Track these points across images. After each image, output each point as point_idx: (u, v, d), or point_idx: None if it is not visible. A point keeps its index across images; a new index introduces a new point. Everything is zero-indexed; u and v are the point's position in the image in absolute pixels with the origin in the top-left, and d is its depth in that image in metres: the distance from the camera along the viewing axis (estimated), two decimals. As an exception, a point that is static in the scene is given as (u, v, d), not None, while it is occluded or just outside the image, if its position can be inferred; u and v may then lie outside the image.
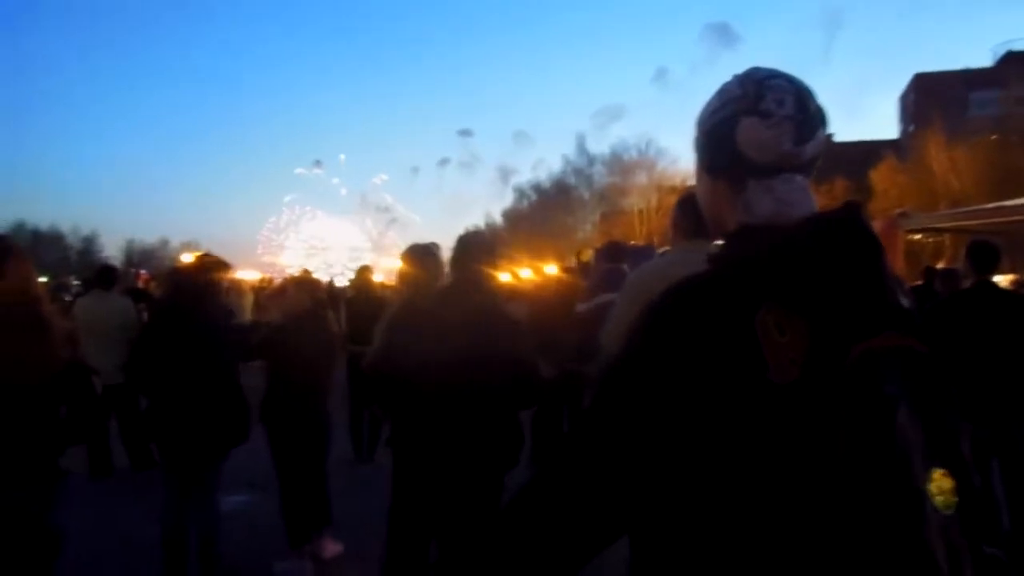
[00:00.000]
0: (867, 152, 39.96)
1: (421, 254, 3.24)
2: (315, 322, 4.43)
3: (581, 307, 5.29)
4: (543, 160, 64.46)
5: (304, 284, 4.74)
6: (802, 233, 0.96)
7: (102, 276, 5.56)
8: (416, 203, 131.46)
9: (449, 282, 2.88)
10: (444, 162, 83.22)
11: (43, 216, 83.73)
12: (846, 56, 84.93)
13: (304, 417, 4.31)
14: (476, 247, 2.89)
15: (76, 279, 41.70)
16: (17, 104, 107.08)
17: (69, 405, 2.34)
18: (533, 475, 1.00)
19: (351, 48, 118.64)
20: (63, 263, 64.71)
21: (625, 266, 5.78)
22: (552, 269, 38.69)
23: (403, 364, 2.69)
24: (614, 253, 5.75)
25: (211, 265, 4.03)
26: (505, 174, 60.90)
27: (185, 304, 3.86)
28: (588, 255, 16.42)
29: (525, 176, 76.38)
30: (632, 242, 41.68)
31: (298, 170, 66.52)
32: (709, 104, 1.08)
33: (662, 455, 0.92)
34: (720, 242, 1.09)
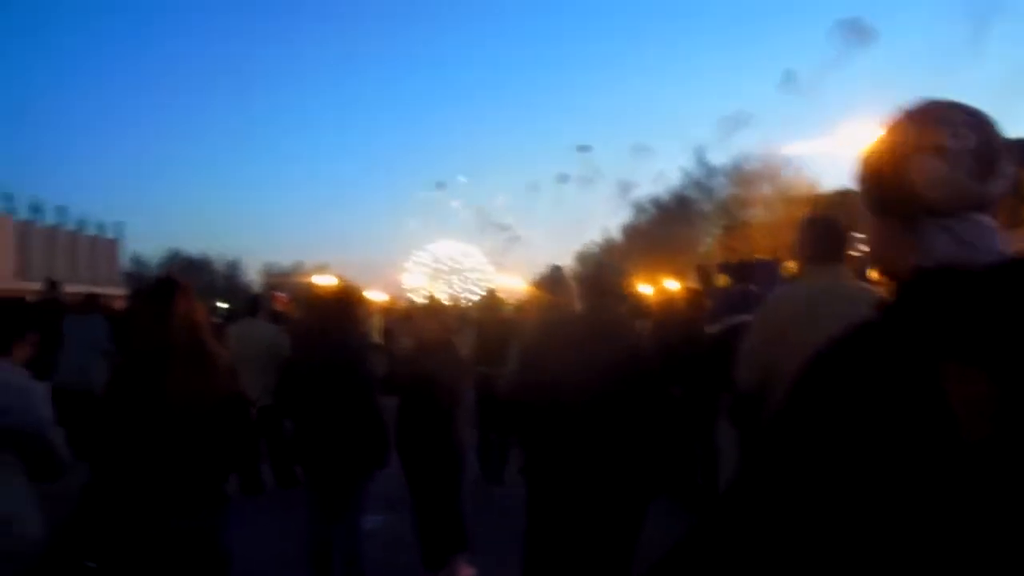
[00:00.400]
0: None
1: (553, 282, 3.26)
2: (445, 349, 4.54)
3: (711, 328, 5.16)
4: (663, 173, 63.18)
5: (433, 312, 4.87)
6: (990, 279, 0.88)
7: (250, 305, 6.03)
8: (536, 221, 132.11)
9: (584, 310, 2.87)
10: (563, 178, 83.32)
11: (194, 244, 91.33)
12: (1000, 47, 77.54)
13: (437, 444, 4.41)
14: (609, 275, 2.88)
15: (222, 302, 44.86)
16: (169, 144, 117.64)
17: (231, 434, 2.51)
18: (690, 531, 0.98)
19: (469, 70, 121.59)
20: (210, 287, 70.22)
21: (753, 286, 5.58)
22: (673, 284, 37.81)
23: (541, 391, 2.70)
24: (741, 272, 5.56)
25: (350, 291, 4.22)
26: (624, 188, 60.34)
27: (325, 331, 4.06)
28: (723, 280, 16.07)
29: (645, 189, 75.48)
30: (756, 256, 40.20)
31: (420, 194, 69.18)
32: (875, 138, 1.02)
33: (832, 521, 0.88)
34: (890, 285, 1.03)
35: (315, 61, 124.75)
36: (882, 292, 2.76)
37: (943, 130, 0.95)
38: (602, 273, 2.93)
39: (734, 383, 2.84)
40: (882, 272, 1.06)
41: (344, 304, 4.12)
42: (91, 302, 7.63)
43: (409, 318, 12.14)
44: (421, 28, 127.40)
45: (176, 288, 2.46)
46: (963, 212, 0.95)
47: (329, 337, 4.05)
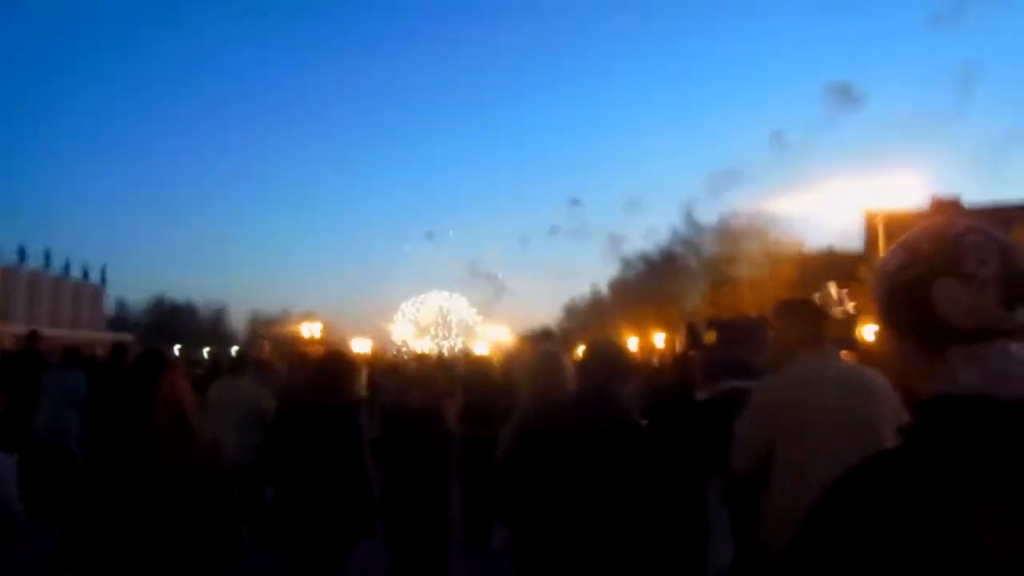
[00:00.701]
0: (1007, 218, 37.33)
1: (543, 355, 3.23)
2: (435, 413, 4.45)
3: (702, 394, 5.11)
4: (654, 228, 63.64)
5: (423, 378, 4.79)
6: (1021, 413, 0.85)
7: (235, 362, 5.96)
8: (525, 273, 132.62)
9: (581, 392, 2.84)
10: (554, 231, 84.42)
11: (179, 290, 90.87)
12: (985, 111, 79.85)
13: (428, 510, 4.28)
14: (606, 356, 2.85)
15: (207, 349, 44.24)
16: (155, 188, 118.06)
17: (208, 510, 2.43)
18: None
19: (462, 120, 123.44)
20: (196, 335, 69.67)
21: (741, 350, 5.56)
22: (660, 338, 37.70)
23: (534, 476, 2.65)
24: (729, 332, 5.53)
25: (343, 357, 4.16)
26: (615, 242, 61.26)
27: (318, 394, 3.98)
28: (710, 337, 16.02)
29: (636, 243, 76.12)
30: (743, 311, 40.32)
31: (409, 244, 69.74)
32: (895, 257, 0.99)
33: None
34: (909, 405, 0.99)
35: (304, 108, 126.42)
36: (870, 373, 2.72)
37: (968, 255, 0.92)
38: (599, 351, 2.90)
39: (728, 466, 2.79)
40: (901, 392, 1.02)
41: (338, 370, 4.06)
42: (71, 356, 7.49)
43: (396, 370, 12.02)
44: (413, 75, 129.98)
45: (162, 365, 2.40)
46: (990, 339, 0.91)
47: (320, 400, 3.97)
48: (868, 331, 19.31)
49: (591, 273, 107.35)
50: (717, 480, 5.04)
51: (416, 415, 4.36)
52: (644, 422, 3.80)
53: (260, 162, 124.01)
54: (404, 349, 58.58)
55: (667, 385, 5.83)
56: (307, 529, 3.85)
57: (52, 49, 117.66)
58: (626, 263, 55.96)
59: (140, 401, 2.29)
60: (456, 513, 4.57)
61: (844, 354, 8.09)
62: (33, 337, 8.78)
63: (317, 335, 58.59)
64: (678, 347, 27.78)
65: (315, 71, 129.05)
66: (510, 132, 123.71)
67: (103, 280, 54.89)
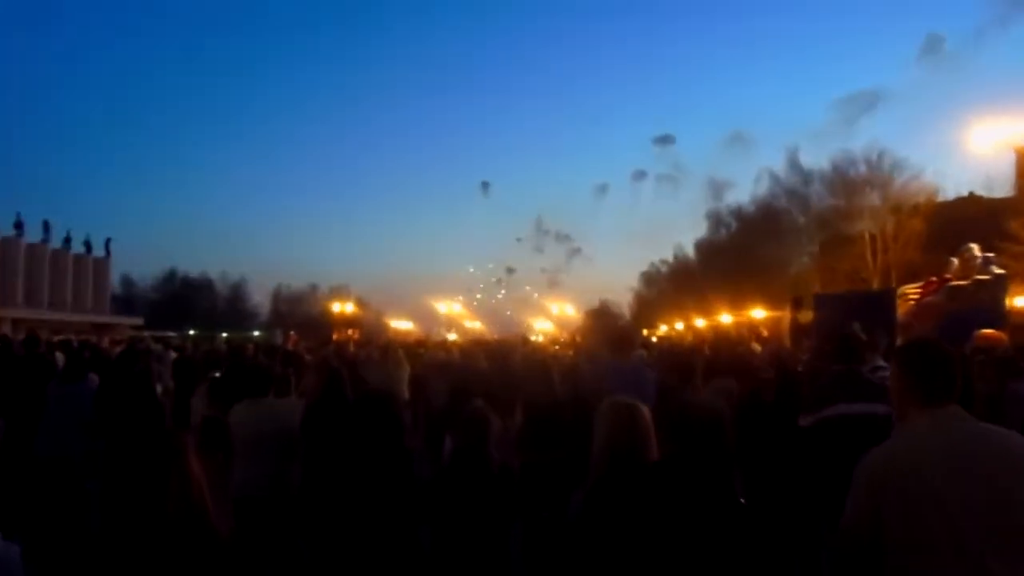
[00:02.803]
0: None
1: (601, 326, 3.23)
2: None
3: (805, 420, 5.05)
4: (757, 176, 59.06)
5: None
6: None
7: (256, 383, 6.04)
8: (602, 231, 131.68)
9: (668, 463, 2.83)
10: (638, 176, 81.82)
11: (193, 263, 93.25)
12: None
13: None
14: (702, 419, 2.83)
15: (224, 335, 45.31)
16: (160, 151, 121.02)
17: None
18: None
19: (516, 49, 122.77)
20: (211, 312, 71.47)
21: (862, 368, 5.42)
22: (759, 313, 37.12)
23: (611, 560, 2.69)
24: (847, 350, 5.37)
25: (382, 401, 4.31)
26: (710, 191, 58.20)
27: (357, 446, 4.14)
28: (808, 316, 15.65)
29: (732, 195, 73.06)
30: (862, 280, 39.21)
31: (458, 201, 70.28)
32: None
33: None
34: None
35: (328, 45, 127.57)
36: (1016, 438, 2.65)
37: None
38: (701, 416, 2.89)
39: (841, 529, 2.77)
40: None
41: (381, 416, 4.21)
42: (77, 364, 7.85)
43: (447, 367, 12.09)
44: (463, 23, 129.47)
45: (173, 452, 2.50)
46: None
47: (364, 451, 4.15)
48: (1021, 301, 18.32)
49: (679, 232, 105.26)
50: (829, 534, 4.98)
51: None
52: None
53: (278, 117, 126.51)
54: (452, 332, 59.12)
55: (766, 406, 5.76)
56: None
57: (58, 10, 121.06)
58: (717, 220, 54.71)
59: (144, 495, 2.42)
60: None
61: (989, 333, 7.82)
62: (32, 342, 9.21)
63: (349, 312, 59.88)
64: (783, 325, 27.29)
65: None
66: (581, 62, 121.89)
67: (107, 253, 56.67)
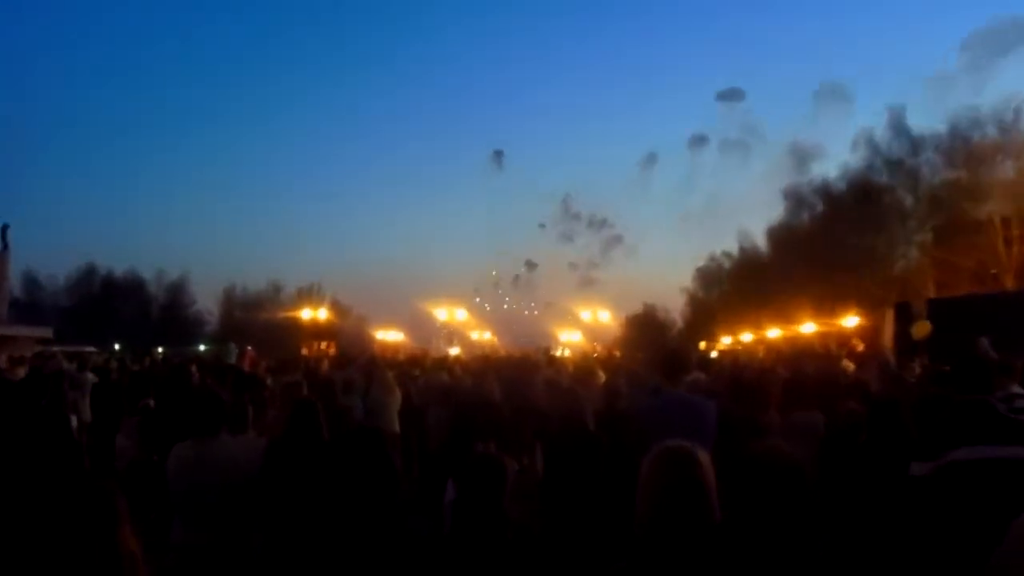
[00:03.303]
0: None
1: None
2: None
3: (919, 468, 5.04)
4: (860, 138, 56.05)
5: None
6: None
7: (203, 416, 5.95)
8: (646, 214, 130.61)
9: (737, 529, 2.86)
10: (698, 142, 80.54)
11: (119, 258, 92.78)
12: None
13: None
14: (777, 480, 2.85)
15: (160, 349, 45.20)
16: (80, 119, 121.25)
17: None
18: None
19: None
20: (143, 321, 71.58)
21: (996, 398, 5.41)
22: (852, 322, 37.20)
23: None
24: (974, 373, 5.35)
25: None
26: (800, 159, 56.63)
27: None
28: (924, 329, 15.56)
29: (828, 166, 71.60)
30: (992, 272, 38.87)
31: (462, 176, 70.21)
32: None
33: None
34: None
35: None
36: None
37: None
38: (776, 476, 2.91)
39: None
40: None
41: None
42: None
43: (449, 393, 12.06)
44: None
45: (101, 519, 2.53)
46: None
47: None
48: None
49: (747, 216, 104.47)
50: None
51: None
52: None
53: (229, 76, 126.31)
54: (455, 346, 59.14)
55: (863, 448, 5.76)
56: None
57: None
58: (797, 200, 54.35)
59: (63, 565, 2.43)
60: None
61: None
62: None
63: (323, 320, 59.92)
64: (885, 338, 27.13)
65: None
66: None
67: (4, 245, 56.79)
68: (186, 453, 5.81)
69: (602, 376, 15.26)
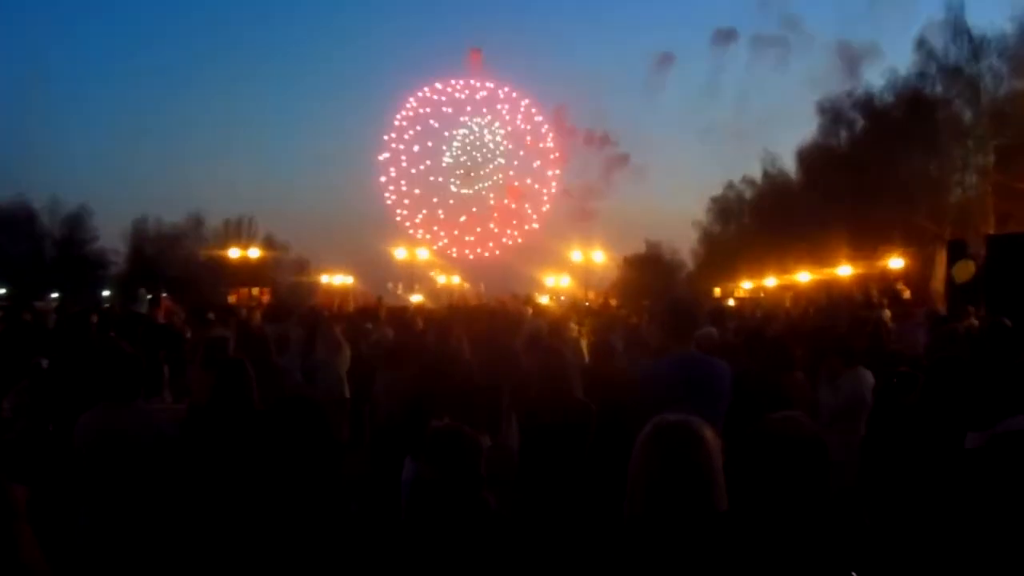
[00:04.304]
0: None
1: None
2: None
3: (974, 439, 5.12)
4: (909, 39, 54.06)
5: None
6: None
7: (118, 383, 5.93)
8: (652, 130, 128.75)
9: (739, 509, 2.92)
10: (725, 38, 78.30)
11: (2, 185, 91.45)
12: None
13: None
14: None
15: (55, 295, 44.77)
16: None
17: None
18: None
19: None
20: (35, 256, 70.91)
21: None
22: (896, 263, 37.50)
23: None
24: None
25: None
26: (850, 62, 55.19)
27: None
28: (967, 271, 15.63)
29: (872, 74, 70.29)
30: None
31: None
32: None
33: None
34: None
35: None
36: None
37: None
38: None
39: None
40: None
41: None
42: None
43: (406, 351, 12.00)
44: None
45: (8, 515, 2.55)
46: None
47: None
48: None
49: (777, 134, 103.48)
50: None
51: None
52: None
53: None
54: (415, 292, 58.99)
55: (908, 413, 5.82)
56: None
57: None
58: (833, 115, 53.82)
59: None
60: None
61: None
62: None
63: (254, 260, 59.61)
64: (936, 282, 27.13)
65: None
66: None
67: None
68: (95, 422, 5.82)
69: (575, 330, 15.37)
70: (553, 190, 73.54)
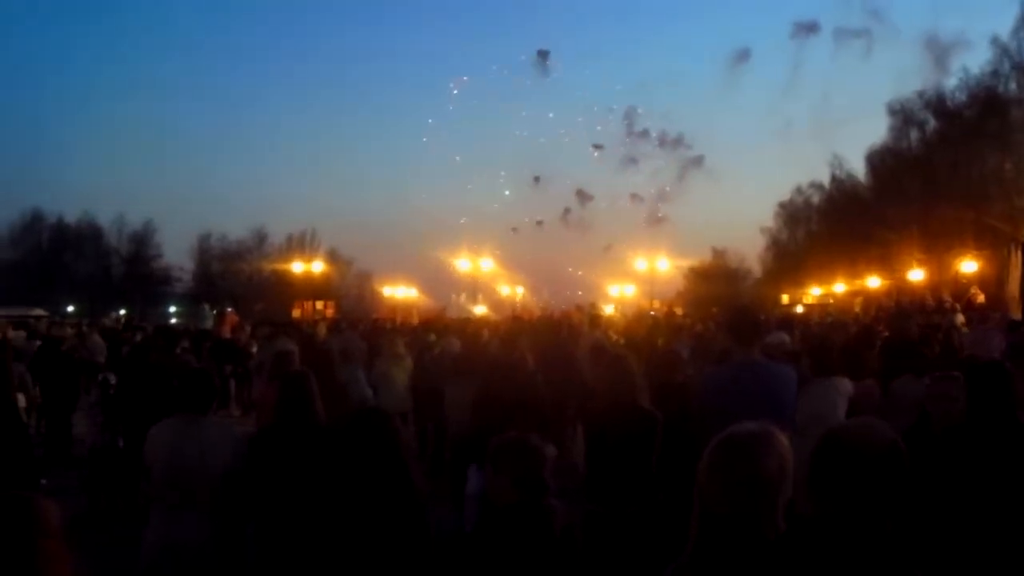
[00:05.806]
0: None
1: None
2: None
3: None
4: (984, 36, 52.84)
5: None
6: None
7: (190, 396, 6.02)
8: (722, 132, 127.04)
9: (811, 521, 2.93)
10: (807, 29, 75.90)
11: (67, 202, 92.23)
12: None
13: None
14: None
15: (123, 312, 45.15)
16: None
17: None
18: None
19: None
20: (102, 275, 71.56)
21: None
22: (970, 267, 36.82)
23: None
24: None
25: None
26: (938, 53, 53.93)
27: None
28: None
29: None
30: None
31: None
32: None
33: None
34: None
35: None
36: None
37: None
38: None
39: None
40: None
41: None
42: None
43: (471, 362, 11.94)
44: None
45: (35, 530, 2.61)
46: None
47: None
48: None
49: (849, 136, 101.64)
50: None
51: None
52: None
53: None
54: (479, 303, 58.95)
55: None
56: None
57: None
58: (904, 116, 53.04)
59: None
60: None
61: None
62: None
63: (318, 274, 59.76)
64: (1012, 286, 26.80)
65: None
66: None
67: None
68: (168, 435, 5.91)
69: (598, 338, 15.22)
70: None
